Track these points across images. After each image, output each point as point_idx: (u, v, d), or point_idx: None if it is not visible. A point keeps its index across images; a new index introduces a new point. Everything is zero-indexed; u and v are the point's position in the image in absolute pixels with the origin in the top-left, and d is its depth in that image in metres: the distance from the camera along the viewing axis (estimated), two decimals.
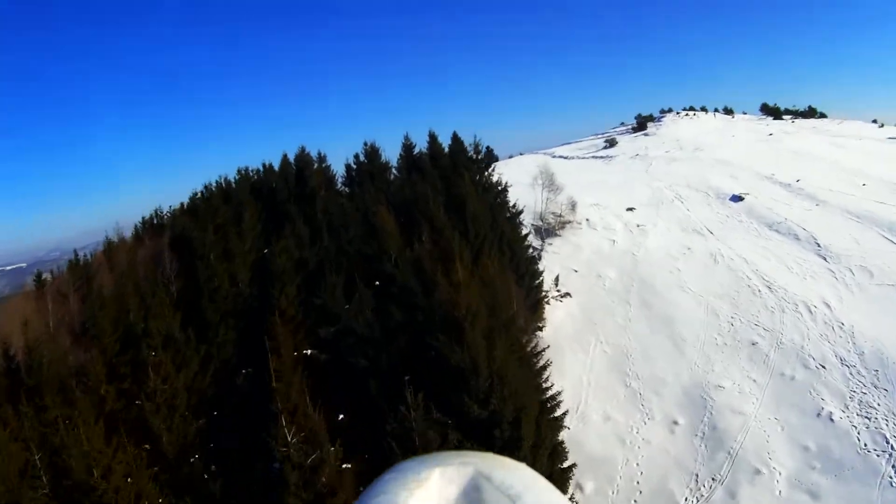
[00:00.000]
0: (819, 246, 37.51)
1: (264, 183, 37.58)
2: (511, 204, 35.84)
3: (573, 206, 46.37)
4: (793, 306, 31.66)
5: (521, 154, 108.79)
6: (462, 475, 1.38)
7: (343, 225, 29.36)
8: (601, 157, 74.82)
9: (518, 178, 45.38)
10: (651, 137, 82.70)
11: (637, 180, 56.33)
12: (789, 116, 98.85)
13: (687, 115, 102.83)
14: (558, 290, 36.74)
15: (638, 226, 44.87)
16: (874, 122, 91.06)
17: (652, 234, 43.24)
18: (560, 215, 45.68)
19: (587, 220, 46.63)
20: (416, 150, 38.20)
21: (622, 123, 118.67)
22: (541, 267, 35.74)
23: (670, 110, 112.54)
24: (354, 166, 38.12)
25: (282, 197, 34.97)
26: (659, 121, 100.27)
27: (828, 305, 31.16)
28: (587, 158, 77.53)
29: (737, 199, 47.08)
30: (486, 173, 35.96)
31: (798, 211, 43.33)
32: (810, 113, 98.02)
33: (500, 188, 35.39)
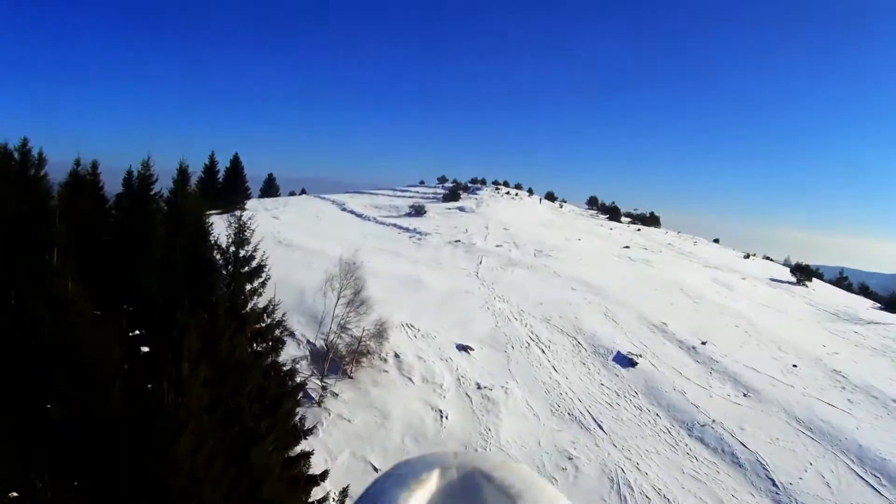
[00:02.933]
0: (777, 487, 23.05)
1: None
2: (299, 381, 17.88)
3: (381, 331, 28.17)
4: None
5: (304, 192, 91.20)
6: (462, 475, 1.32)
7: None
8: (408, 232, 55.83)
9: (293, 226, 35.01)
10: (470, 216, 65.44)
11: (468, 290, 38.76)
12: (629, 219, 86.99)
13: (507, 192, 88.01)
14: None
15: (480, 387, 27.52)
16: (716, 241, 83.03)
17: (505, 413, 26.30)
18: (360, 339, 27.34)
19: (397, 355, 28.71)
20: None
21: (422, 182, 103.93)
22: (311, 445, 19.40)
23: (483, 181, 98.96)
24: None
25: None
26: (474, 193, 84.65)
27: None
28: (388, 225, 58.91)
29: (626, 362, 30.88)
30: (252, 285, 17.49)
31: (724, 405, 28.00)
32: (652, 220, 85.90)
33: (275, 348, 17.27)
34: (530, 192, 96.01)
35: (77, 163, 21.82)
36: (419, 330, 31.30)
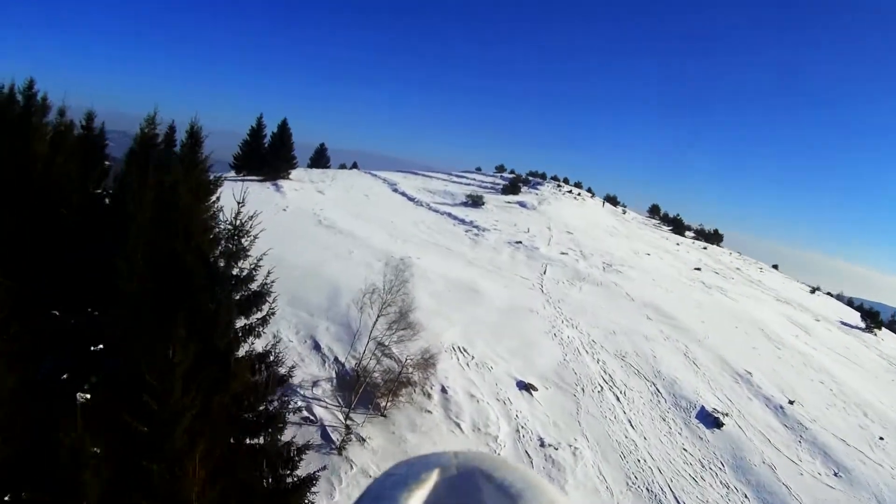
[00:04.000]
0: None
1: None
2: None
3: (429, 362, 22.37)
4: None
5: (355, 167, 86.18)
6: (462, 475, 1.21)
7: None
8: (464, 224, 49.88)
9: (337, 204, 33.28)
10: (531, 214, 59.11)
11: (532, 308, 32.60)
12: (692, 234, 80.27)
13: (570, 191, 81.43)
14: None
15: (543, 444, 21.85)
16: (775, 266, 76.46)
17: (572, 483, 20.89)
18: (402, 368, 21.64)
19: (444, 389, 22.94)
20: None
21: (478, 169, 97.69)
22: None
23: (543, 176, 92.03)
24: None
25: None
26: (534, 187, 78.26)
27: None
28: (441, 214, 52.84)
29: (711, 421, 25.27)
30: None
31: (815, 487, 23.00)
32: (715, 237, 79.67)
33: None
34: (590, 191, 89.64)
35: (62, 112, 16.87)
36: (473, 357, 25.42)
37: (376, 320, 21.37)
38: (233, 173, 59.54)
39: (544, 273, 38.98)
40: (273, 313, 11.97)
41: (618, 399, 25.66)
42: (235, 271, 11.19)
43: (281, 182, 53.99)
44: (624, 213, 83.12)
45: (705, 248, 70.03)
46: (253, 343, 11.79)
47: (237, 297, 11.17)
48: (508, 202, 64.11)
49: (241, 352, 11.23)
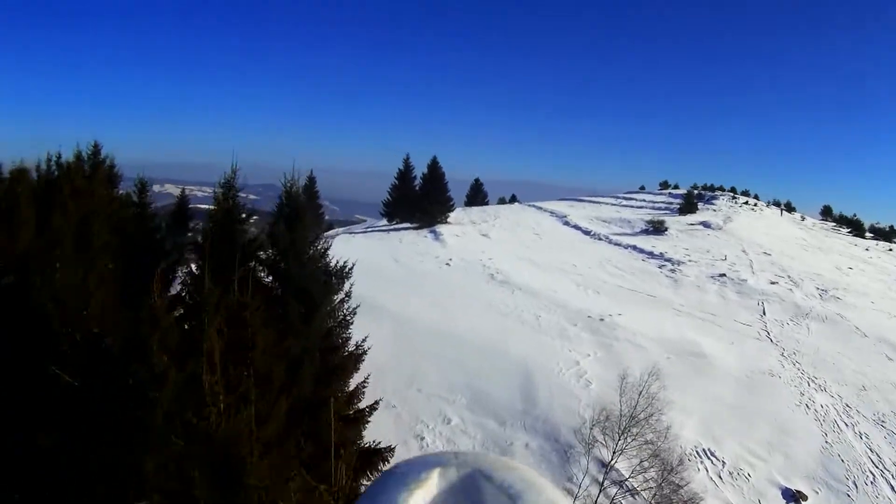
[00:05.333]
0: None
1: None
2: None
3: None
4: None
5: (515, 200, 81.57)
6: (462, 475, 1.31)
7: None
8: (654, 258, 42.99)
9: (506, 248, 33.04)
10: (719, 235, 52.02)
11: (770, 370, 25.63)
12: (870, 235, 71.52)
13: (745, 203, 74.39)
14: None
15: None
16: None
17: None
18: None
19: None
20: None
21: (642, 188, 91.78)
22: None
23: (710, 187, 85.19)
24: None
25: None
26: (709, 203, 71.65)
27: None
28: (624, 247, 46.38)
29: None
30: None
31: None
32: (892, 233, 71.73)
33: None
34: (756, 198, 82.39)
35: (109, 176, 14.40)
36: (724, 462, 19.13)
37: (612, 461, 15.80)
38: (384, 221, 56.05)
39: (763, 314, 32.38)
40: None
41: (893, 489, 19.23)
42: None
43: (439, 228, 49.45)
44: (803, 220, 75.21)
45: (891, 250, 61.08)
46: None
47: None
48: (690, 224, 57.22)
49: None
